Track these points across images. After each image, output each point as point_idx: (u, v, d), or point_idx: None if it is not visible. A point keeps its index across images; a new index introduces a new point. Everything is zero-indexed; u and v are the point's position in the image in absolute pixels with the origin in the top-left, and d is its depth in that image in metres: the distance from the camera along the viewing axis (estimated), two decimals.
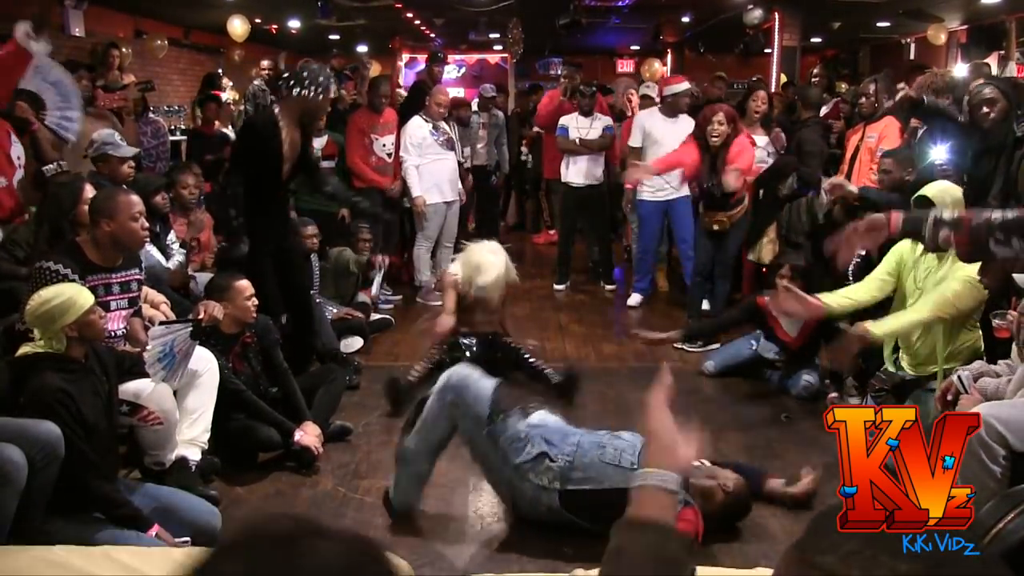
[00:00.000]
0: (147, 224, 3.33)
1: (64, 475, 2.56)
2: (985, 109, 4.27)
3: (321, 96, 4.07)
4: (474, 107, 8.28)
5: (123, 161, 4.39)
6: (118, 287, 3.22)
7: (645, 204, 6.00)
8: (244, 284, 3.63)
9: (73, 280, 3.02)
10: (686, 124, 5.65)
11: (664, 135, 5.74)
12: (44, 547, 2.01)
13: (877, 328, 3.53)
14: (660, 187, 5.83)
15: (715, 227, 5.25)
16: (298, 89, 4.01)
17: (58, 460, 2.51)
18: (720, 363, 4.77)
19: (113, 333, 3.22)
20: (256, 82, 8.71)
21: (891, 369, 3.89)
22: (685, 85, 6.03)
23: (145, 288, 4.10)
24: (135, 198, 3.27)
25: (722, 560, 2.79)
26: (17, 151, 4.13)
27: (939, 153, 4.42)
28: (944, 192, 3.61)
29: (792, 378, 4.46)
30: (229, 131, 6.87)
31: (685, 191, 5.84)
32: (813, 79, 7.99)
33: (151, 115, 6.74)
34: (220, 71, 11.39)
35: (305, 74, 4.04)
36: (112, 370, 2.91)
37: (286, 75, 4.15)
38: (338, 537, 0.74)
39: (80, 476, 2.59)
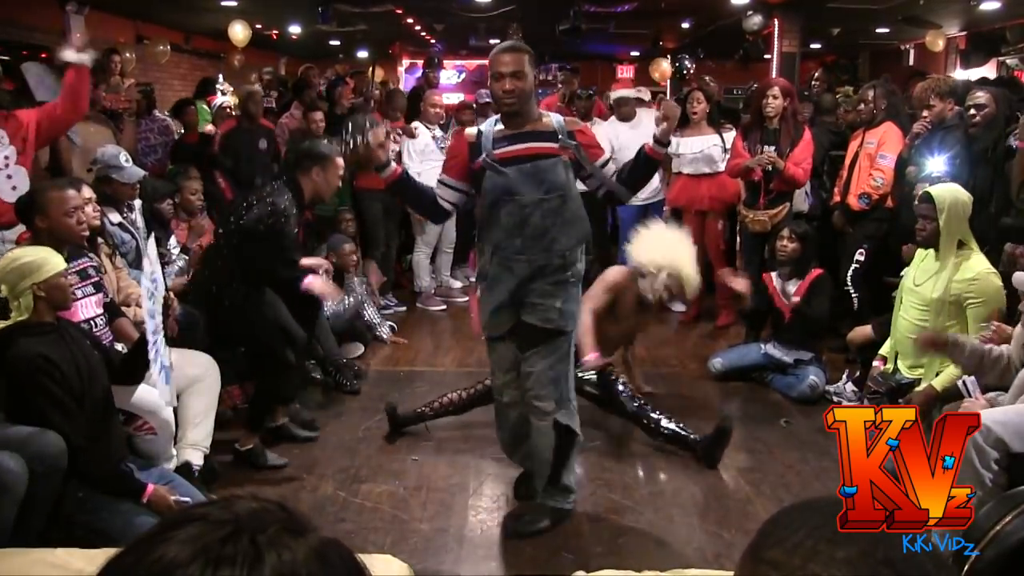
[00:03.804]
0: (84, 218, 3.25)
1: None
2: (972, 112, 4.26)
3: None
4: None
5: (125, 186, 4.20)
6: (75, 276, 3.18)
7: (627, 208, 5.77)
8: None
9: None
10: (647, 130, 5.51)
11: (629, 142, 5.50)
12: (45, 549, 2.01)
13: (939, 384, 3.51)
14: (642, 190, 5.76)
15: (756, 228, 5.17)
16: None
17: (60, 471, 2.49)
18: (727, 362, 4.76)
19: (93, 322, 3.20)
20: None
21: (888, 371, 3.90)
22: (632, 92, 6.38)
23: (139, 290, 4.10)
24: (70, 192, 3.20)
25: (721, 563, 2.79)
26: (5, 151, 3.95)
27: (937, 164, 4.33)
28: (948, 192, 3.61)
29: (798, 377, 4.46)
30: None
31: (661, 195, 6.10)
32: (814, 83, 8.00)
33: (157, 113, 6.73)
34: (220, 76, 11.40)
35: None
36: (90, 348, 2.84)
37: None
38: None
39: (74, 454, 2.55)
